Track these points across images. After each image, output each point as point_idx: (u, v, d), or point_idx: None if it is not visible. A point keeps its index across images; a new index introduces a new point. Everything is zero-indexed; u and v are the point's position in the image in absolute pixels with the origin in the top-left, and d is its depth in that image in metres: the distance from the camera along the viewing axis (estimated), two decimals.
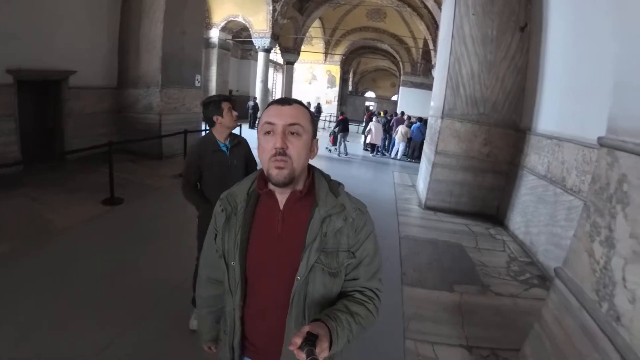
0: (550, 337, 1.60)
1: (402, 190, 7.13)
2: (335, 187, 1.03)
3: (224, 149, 2.31)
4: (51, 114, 6.56)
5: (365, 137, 12.48)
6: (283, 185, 0.92)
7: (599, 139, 1.54)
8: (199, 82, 8.06)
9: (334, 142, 11.60)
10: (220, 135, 2.31)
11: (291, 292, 0.95)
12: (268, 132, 0.92)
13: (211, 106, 2.24)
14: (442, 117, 5.43)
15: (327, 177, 1.05)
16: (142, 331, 2.38)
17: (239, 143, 2.40)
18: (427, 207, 5.73)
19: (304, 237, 0.95)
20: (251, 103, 16.17)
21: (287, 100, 0.95)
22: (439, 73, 5.85)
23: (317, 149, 1.02)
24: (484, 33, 4.99)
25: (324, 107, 22.69)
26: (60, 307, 2.53)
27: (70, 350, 2.15)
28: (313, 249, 0.93)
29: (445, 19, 6.05)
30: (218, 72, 15.65)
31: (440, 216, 5.46)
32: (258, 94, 15.80)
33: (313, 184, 1.01)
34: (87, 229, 3.90)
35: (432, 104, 6.78)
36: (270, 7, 13.98)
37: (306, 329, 0.77)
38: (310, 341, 0.73)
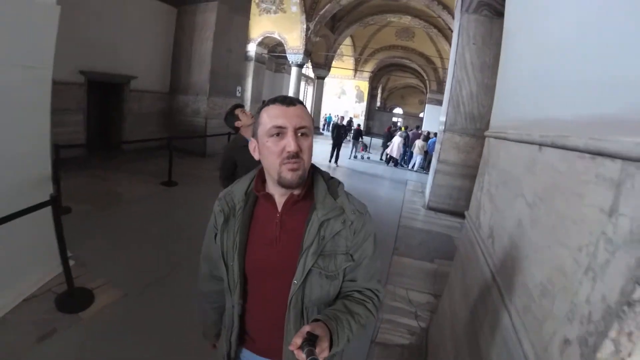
0: (462, 257, 2.43)
1: (411, 195, 7.96)
2: (334, 187, 1.02)
3: None
4: (113, 111, 7.87)
5: (384, 149, 13.47)
6: (297, 186, 0.94)
7: (485, 133, 2.44)
8: (239, 92, 9.26)
9: (365, 149, 13.64)
10: (247, 134, 2.60)
11: (289, 295, 0.95)
12: (277, 135, 0.91)
13: (229, 117, 2.65)
14: (444, 131, 6.29)
15: (326, 177, 1.04)
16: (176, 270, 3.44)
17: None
18: (429, 208, 6.56)
19: (301, 241, 0.94)
20: None
21: (290, 100, 0.94)
22: (446, 93, 6.73)
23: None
24: (482, 61, 5.84)
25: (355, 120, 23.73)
26: (134, 246, 3.59)
27: (144, 266, 3.19)
28: (310, 253, 0.93)
29: (452, 47, 6.94)
30: (253, 83, 16.92)
31: (440, 215, 6.27)
32: None
33: (312, 185, 1.01)
34: (151, 200, 5.03)
35: (440, 119, 7.67)
36: (304, 26, 15.16)
37: (306, 329, 0.77)
38: (311, 341, 0.74)
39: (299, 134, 0.91)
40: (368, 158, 13.55)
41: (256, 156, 0.97)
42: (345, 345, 0.90)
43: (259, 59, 17.46)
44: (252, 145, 0.98)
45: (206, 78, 7.87)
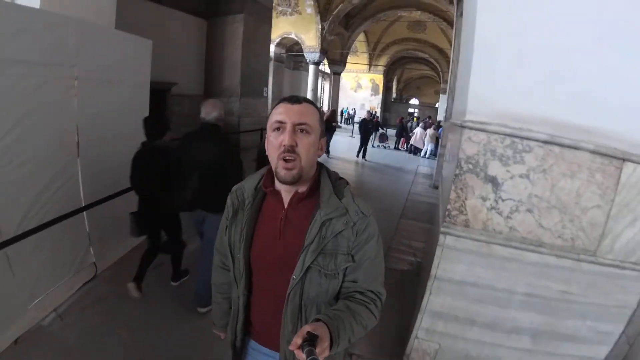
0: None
1: (421, 177, 8.93)
2: (340, 188, 1.04)
3: None
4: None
5: (398, 139, 14.47)
6: (291, 183, 0.96)
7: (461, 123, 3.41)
8: (266, 92, 10.37)
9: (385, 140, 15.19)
10: None
11: (287, 288, 0.98)
12: (277, 129, 0.95)
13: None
14: (445, 120, 7.23)
15: (333, 177, 1.06)
16: None
17: None
18: (435, 187, 7.52)
19: (303, 238, 0.97)
20: None
21: (296, 99, 0.97)
22: (448, 87, 7.61)
23: (324, 148, 1.04)
24: None
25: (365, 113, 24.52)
26: None
27: None
28: (310, 250, 0.95)
29: (453, 47, 7.81)
30: (274, 82, 17.88)
31: None
32: None
33: (318, 184, 1.03)
34: None
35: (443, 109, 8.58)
36: (319, 26, 16.08)
37: (306, 328, 0.78)
38: (311, 341, 0.74)
39: (298, 130, 0.93)
40: (386, 147, 14.60)
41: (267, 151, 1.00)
42: (345, 345, 0.90)
43: (278, 59, 18.52)
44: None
45: (237, 82, 9.00)
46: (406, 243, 4.25)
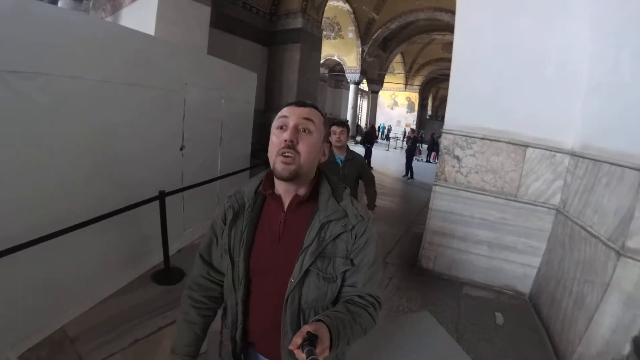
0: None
1: None
2: (339, 192, 1.05)
3: (338, 161, 2.90)
4: None
5: (429, 153, 15.89)
6: (287, 179, 0.95)
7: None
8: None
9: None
10: (337, 152, 2.90)
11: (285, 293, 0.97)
12: (280, 127, 0.96)
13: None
14: None
15: (333, 182, 1.07)
16: None
17: (353, 158, 2.96)
18: None
19: (303, 241, 0.97)
20: None
21: (303, 103, 1.00)
22: None
23: (327, 153, 1.06)
24: None
25: (402, 129, 25.89)
26: None
27: None
28: (308, 252, 0.96)
29: None
30: (317, 99, 19.84)
31: None
32: (349, 117, 19.98)
33: (318, 189, 1.04)
34: None
35: None
36: (360, 49, 17.82)
37: (306, 328, 0.78)
38: (311, 341, 0.74)
39: (301, 129, 0.95)
40: (419, 160, 15.58)
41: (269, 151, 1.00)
42: (345, 346, 0.91)
43: (321, 78, 20.34)
44: None
45: (293, 99, 10.94)
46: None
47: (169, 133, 3.53)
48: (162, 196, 2.98)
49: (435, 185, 3.77)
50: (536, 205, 3.43)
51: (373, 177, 3.15)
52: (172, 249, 3.39)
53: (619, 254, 2.24)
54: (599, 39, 2.90)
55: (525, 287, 3.59)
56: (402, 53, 23.25)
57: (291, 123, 0.95)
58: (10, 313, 2.15)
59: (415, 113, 28.04)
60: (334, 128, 2.85)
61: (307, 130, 0.96)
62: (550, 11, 3.18)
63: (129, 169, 2.99)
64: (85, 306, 2.69)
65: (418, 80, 26.21)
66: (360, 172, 3.00)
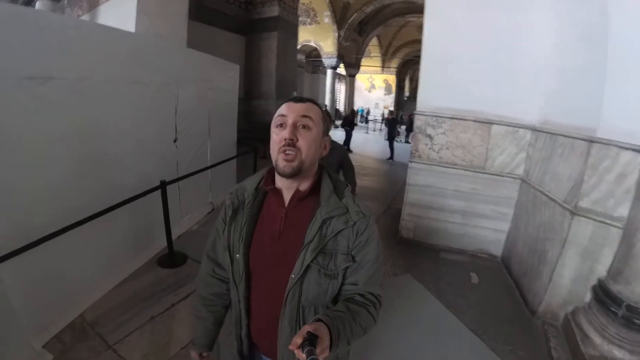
0: None
1: None
2: (340, 188, 1.05)
3: None
4: None
5: (408, 133, 16.29)
6: (290, 176, 0.96)
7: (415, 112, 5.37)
8: (295, 95, 12.49)
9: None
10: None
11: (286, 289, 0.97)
12: (280, 125, 0.97)
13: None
14: None
15: (334, 179, 1.07)
16: None
17: (335, 148, 2.95)
18: None
19: (303, 237, 0.97)
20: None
21: (300, 99, 1.00)
22: None
23: (329, 147, 1.07)
24: None
25: (380, 111, 26.21)
26: None
27: None
28: (309, 249, 0.96)
29: None
30: (297, 85, 19.92)
31: None
32: (327, 102, 20.13)
33: (319, 185, 1.04)
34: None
35: None
36: (336, 34, 17.87)
37: (306, 328, 0.77)
38: (311, 341, 0.74)
39: (300, 126, 0.96)
40: (398, 141, 15.60)
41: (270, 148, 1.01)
42: (344, 346, 0.90)
43: (299, 64, 20.34)
44: None
45: (273, 87, 11.08)
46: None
47: (164, 126, 3.75)
48: (163, 185, 3.23)
49: (411, 162, 4.14)
50: (502, 176, 3.82)
51: (353, 166, 3.23)
52: (173, 235, 3.63)
53: (573, 214, 2.63)
54: (561, 28, 3.24)
55: (497, 250, 4.02)
56: (378, 36, 23.34)
57: (289, 121, 0.96)
58: (30, 305, 2.33)
59: (393, 95, 28.22)
60: None
61: (306, 127, 0.97)
62: (519, 3, 3.53)
63: (130, 162, 3.21)
64: (100, 293, 2.93)
65: (395, 63, 26.40)
66: (341, 160, 3.09)
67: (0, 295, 2.05)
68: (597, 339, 2.40)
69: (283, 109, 0.99)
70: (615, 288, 2.40)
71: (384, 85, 28.03)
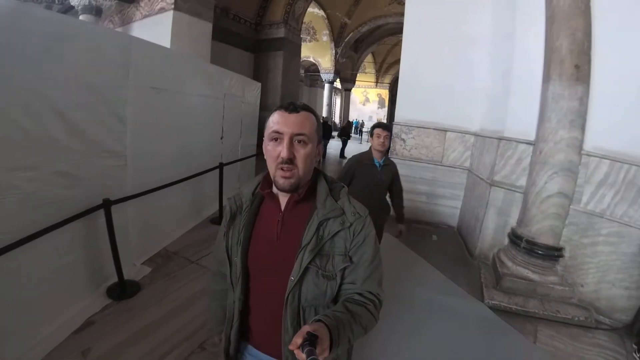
0: None
1: None
2: (336, 190, 1.06)
3: (377, 164, 2.81)
4: None
5: None
6: (289, 192, 0.98)
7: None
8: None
9: None
10: (376, 155, 2.81)
11: (285, 291, 0.98)
12: (275, 139, 0.95)
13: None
14: None
15: (330, 180, 1.08)
16: None
17: (390, 164, 2.93)
18: None
19: (300, 240, 0.98)
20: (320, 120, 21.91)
21: (294, 107, 0.96)
22: None
23: (322, 152, 1.01)
24: None
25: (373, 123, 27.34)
26: None
27: None
28: (307, 250, 0.96)
29: None
30: (298, 98, 21.17)
31: None
32: (324, 113, 21.58)
33: (315, 188, 1.04)
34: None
35: None
36: (334, 51, 19.30)
37: (306, 328, 0.77)
38: (311, 341, 0.74)
39: (296, 142, 0.94)
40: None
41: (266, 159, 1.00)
42: (345, 346, 0.90)
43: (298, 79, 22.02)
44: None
45: (278, 100, 12.52)
46: None
47: (216, 127, 5.29)
48: (221, 166, 4.76)
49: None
50: (455, 168, 5.37)
51: (402, 187, 3.08)
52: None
53: (490, 185, 4.12)
54: (491, 65, 4.79)
55: (453, 222, 5.53)
56: (372, 53, 24.76)
57: (286, 138, 0.93)
58: (133, 240, 3.47)
59: (386, 108, 29.29)
60: (377, 131, 2.77)
61: (302, 142, 0.95)
62: (465, 46, 5.10)
63: (197, 152, 4.68)
64: (175, 236, 4.35)
65: (388, 79, 27.75)
66: (393, 179, 2.95)
67: (122, 227, 3.25)
68: (509, 263, 3.58)
69: (277, 121, 0.96)
70: (520, 231, 3.63)
71: (377, 99, 29.30)
